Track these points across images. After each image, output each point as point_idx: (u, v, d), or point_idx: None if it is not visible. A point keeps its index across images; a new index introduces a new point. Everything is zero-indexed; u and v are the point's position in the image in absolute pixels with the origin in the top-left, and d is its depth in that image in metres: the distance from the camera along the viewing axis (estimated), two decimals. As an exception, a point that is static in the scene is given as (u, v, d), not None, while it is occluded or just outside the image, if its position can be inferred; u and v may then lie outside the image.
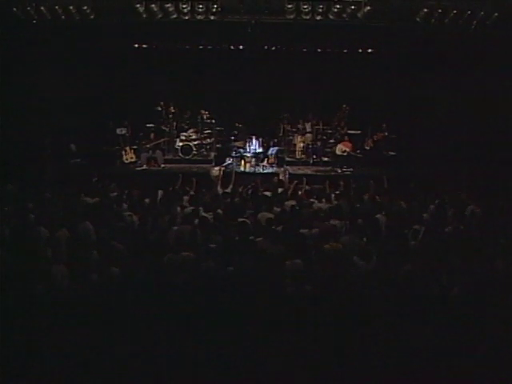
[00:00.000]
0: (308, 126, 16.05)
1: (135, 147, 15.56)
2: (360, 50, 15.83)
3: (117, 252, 7.11)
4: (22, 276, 6.24)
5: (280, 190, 11.17)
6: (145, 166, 15.03)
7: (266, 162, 15.33)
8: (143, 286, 6.24)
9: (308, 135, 15.99)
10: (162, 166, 15.17)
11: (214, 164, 15.49)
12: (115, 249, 7.18)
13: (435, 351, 5.46)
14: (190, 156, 15.74)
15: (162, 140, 15.86)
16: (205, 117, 16.31)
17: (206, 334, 5.54)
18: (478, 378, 5.23)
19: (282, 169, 15.26)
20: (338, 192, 11.04)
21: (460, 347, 5.50)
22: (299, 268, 6.81)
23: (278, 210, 9.24)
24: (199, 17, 12.50)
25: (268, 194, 10.69)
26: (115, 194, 10.50)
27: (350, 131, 15.85)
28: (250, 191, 10.99)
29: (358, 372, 5.29)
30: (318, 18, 12.46)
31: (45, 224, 8.04)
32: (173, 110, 16.04)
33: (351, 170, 15.12)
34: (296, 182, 11.76)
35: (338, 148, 15.28)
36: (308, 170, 15.30)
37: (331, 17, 12.45)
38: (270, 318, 5.79)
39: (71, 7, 12.21)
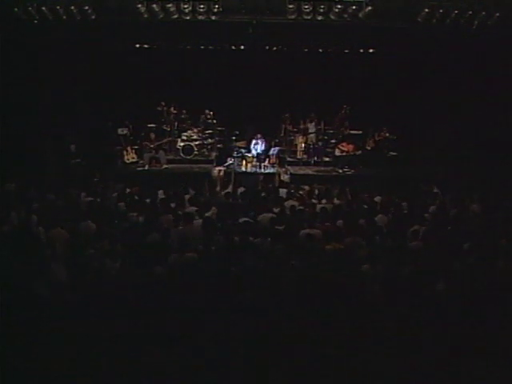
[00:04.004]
0: (311, 126, 16.04)
1: (136, 147, 15.57)
2: (361, 50, 15.82)
3: (118, 251, 7.12)
4: (21, 275, 6.26)
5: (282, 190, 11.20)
6: (147, 167, 15.04)
7: (267, 162, 15.32)
8: (144, 285, 6.25)
9: (311, 135, 15.98)
10: (165, 166, 15.18)
11: (215, 164, 15.50)
12: (117, 248, 7.20)
13: (436, 351, 5.46)
14: (192, 156, 15.75)
15: (166, 140, 15.89)
16: (207, 117, 16.33)
17: (207, 333, 5.55)
18: (478, 379, 5.24)
19: (283, 169, 15.27)
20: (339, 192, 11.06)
21: (460, 347, 5.51)
22: (300, 268, 6.84)
23: (279, 210, 9.26)
24: (200, 17, 12.48)
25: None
26: (116, 193, 10.53)
27: (351, 131, 15.86)
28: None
29: (358, 372, 5.29)
30: (320, 18, 12.44)
31: (45, 224, 8.06)
32: (174, 111, 16.05)
33: (352, 170, 15.14)
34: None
35: (336, 150, 15.34)
36: (309, 171, 15.31)
37: (332, 17, 12.43)
38: (270, 317, 5.80)
39: (72, 7, 12.20)
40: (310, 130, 15.98)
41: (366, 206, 9.97)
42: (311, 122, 16.08)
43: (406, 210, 9.72)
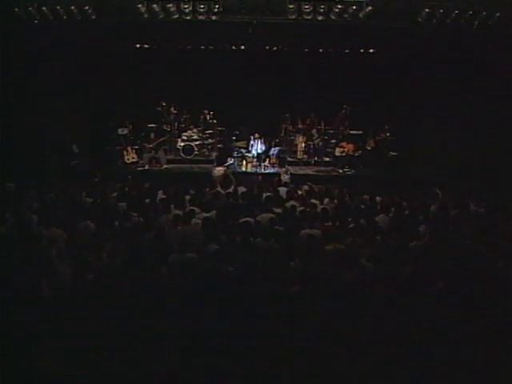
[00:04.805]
0: (314, 132, 16.01)
1: (137, 147, 15.58)
2: (362, 51, 15.82)
3: (118, 252, 7.12)
4: (21, 275, 6.26)
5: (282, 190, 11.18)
6: (147, 166, 15.05)
7: (267, 162, 15.33)
8: (145, 285, 6.25)
9: (316, 140, 15.96)
10: (165, 166, 15.18)
11: (215, 164, 15.50)
12: (116, 248, 7.20)
13: (435, 351, 5.46)
14: (192, 156, 15.75)
15: (163, 139, 15.87)
16: (207, 117, 16.33)
17: (208, 333, 5.55)
18: (477, 378, 5.24)
19: (284, 169, 15.26)
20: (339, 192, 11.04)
21: (460, 347, 5.51)
22: (300, 268, 6.83)
23: (280, 210, 9.25)
24: (201, 17, 12.46)
25: None
26: (116, 193, 10.52)
27: (351, 131, 15.88)
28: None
29: (358, 372, 5.29)
30: (320, 18, 12.43)
31: (45, 224, 8.05)
32: (174, 111, 16.05)
33: (353, 170, 15.15)
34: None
35: (336, 150, 15.37)
36: (309, 170, 15.31)
37: (333, 17, 12.42)
38: (271, 318, 5.80)
39: (73, 7, 12.19)
40: (314, 137, 15.94)
41: (363, 206, 9.97)
42: (313, 126, 16.04)
43: (407, 209, 9.71)
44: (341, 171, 15.11)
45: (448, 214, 9.44)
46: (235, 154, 15.59)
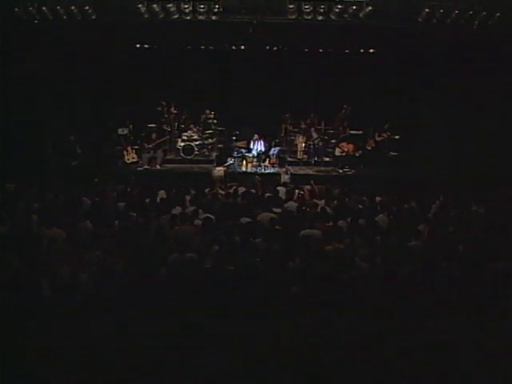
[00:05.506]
0: (313, 133, 16.01)
1: (137, 147, 15.58)
2: (361, 50, 15.81)
3: (118, 252, 7.13)
4: (21, 275, 6.26)
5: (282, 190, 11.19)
6: (146, 166, 15.04)
7: (267, 162, 15.34)
8: (145, 285, 6.25)
9: (316, 140, 15.95)
10: (159, 166, 15.11)
11: (215, 164, 15.51)
12: (116, 248, 7.21)
13: (435, 351, 5.45)
14: (192, 156, 15.75)
15: (163, 139, 15.87)
16: (207, 117, 16.33)
17: (207, 333, 5.54)
18: (477, 380, 5.23)
19: (284, 169, 15.28)
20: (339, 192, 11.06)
21: (460, 347, 5.50)
22: (300, 268, 6.83)
23: (280, 210, 9.26)
24: (201, 17, 12.50)
25: None
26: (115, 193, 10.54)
27: (351, 131, 15.87)
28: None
29: (357, 372, 5.28)
30: (320, 18, 12.46)
31: (45, 224, 8.06)
32: (174, 111, 16.04)
33: (353, 170, 15.15)
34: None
35: (336, 150, 15.38)
36: (309, 171, 15.31)
37: (333, 17, 12.44)
38: (271, 318, 5.80)
39: (73, 7, 12.22)
40: (314, 137, 15.92)
41: (360, 206, 9.97)
42: (313, 126, 16.04)
43: (407, 209, 9.71)
44: (341, 171, 15.10)
45: (448, 213, 9.45)
46: (235, 153, 15.60)
